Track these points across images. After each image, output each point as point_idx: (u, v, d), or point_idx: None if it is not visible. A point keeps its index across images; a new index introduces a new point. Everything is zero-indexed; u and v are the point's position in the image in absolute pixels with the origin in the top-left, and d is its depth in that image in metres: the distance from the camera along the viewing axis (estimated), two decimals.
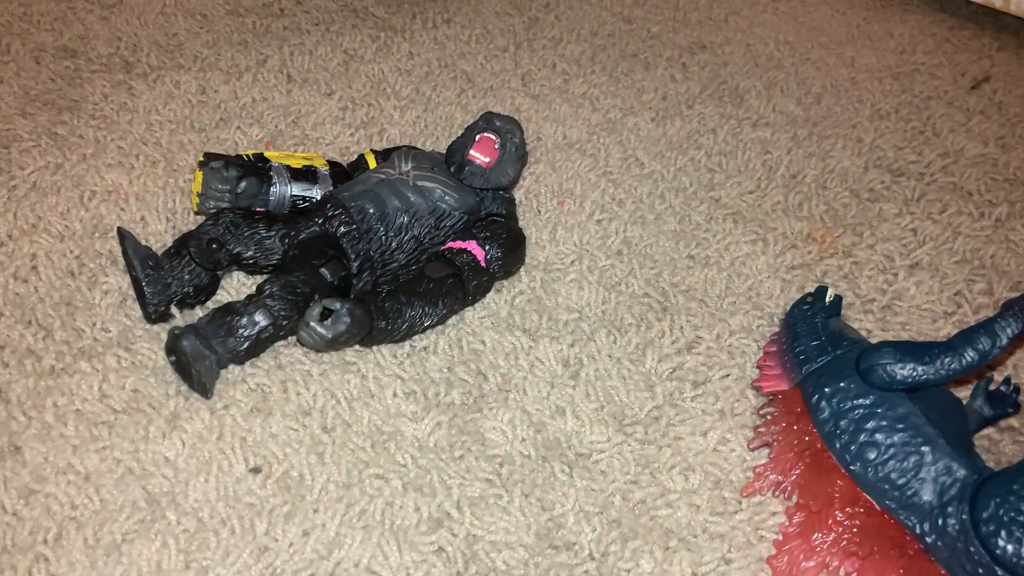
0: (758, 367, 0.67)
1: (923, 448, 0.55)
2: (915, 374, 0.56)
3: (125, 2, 1.07)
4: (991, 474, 0.54)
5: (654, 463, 0.62)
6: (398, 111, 0.95)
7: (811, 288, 0.77)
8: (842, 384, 0.59)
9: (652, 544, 0.57)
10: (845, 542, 0.55)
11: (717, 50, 1.10)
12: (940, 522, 0.53)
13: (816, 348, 0.63)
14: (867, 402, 0.57)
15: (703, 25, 1.15)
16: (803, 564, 0.55)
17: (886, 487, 0.55)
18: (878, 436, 0.56)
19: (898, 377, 0.57)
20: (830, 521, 0.56)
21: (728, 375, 0.69)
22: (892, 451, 0.55)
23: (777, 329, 0.70)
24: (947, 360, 0.56)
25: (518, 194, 0.84)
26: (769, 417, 0.63)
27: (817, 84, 1.05)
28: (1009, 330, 0.55)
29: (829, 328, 0.64)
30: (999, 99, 1.04)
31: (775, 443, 0.61)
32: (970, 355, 0.56)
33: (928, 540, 0.54)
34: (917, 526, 0.54)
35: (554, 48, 1.08)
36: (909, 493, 0.54)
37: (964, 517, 0.52)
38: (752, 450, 0.63)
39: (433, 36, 1.08)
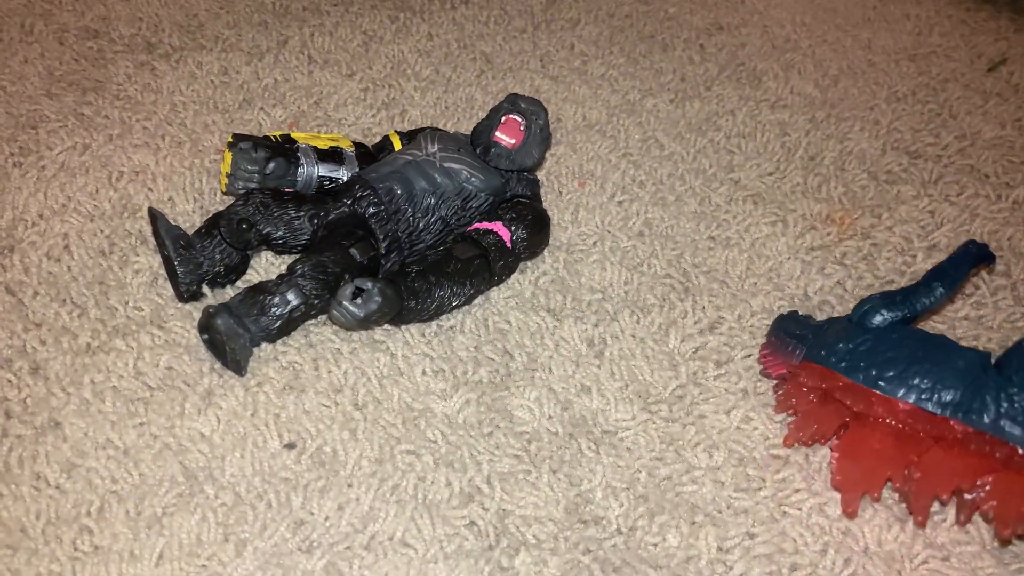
0: (760, 363, 0.69)
1: (934, 352, 0.61)
2: (902, 308, 0.65)
3: None
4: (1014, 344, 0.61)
5: (679, 440, 0.64)
6: (419, 92, 0.95)
7: (831, 270, 0.78)
8: (842, 337, 0.64)
9: (679, 519, 0.59)
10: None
11: (734, 31, 1.11)
12: (976, 404, 0.58)
13: (804, 333, 0.67)
14: (871, 337, 0.63)
15: (720, 6, 1.16)
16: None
17: (918, 394, 0.59)
18: (890, 354, 0.61)
19: (887, 315, 0.64)
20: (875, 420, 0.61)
21: (750, 355, 0.70)
22: (909, 361, 0.60)
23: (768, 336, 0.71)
24: (923, 296, 0.65)
25: (540, 176, 0.85)
26: (784, 390, 0.65)
27: (834, 66, 1.05)
28: (966, 266, 0.67)
29: (808, 323, 0.68)
30: (1016, 81, 1.04)
31: (797, 404, 0.63)
32: (939, 290, 0.65)
33: (974, 420, 0.58)
34: (961, 416, 0.58)
35: (572, 29, 1.08)
36: (940, 390, 0.59)
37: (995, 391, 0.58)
38: (778, 413, 0.65)
39: (451, 17, 1.08)
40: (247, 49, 0.99)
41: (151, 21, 1.02)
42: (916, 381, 0.60)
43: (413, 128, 0.84)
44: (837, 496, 0.60)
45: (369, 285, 0.63)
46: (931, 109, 0.99)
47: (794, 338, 0.66)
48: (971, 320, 0.74)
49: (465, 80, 0.98)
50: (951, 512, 0.60)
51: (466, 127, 0.89)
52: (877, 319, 0.64)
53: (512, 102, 0.74)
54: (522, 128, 0.73)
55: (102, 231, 0.75)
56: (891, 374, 0.60)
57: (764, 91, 1.00)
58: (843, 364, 0.62)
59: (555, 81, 0.99)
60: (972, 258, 0.68)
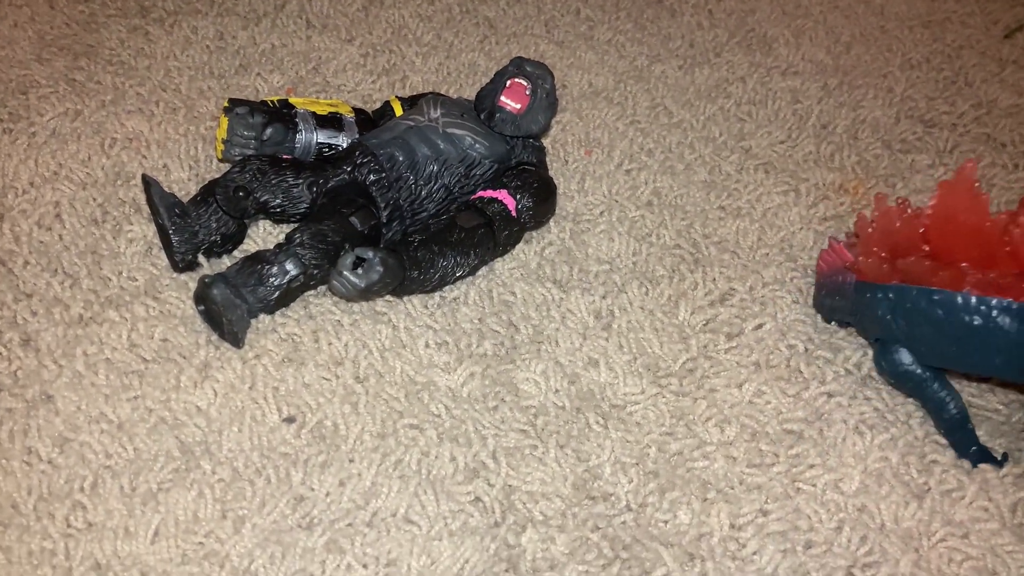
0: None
1: None
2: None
3: None
4: None
5: (689, 415, 0.62)
6: (420, 58, 0.93)
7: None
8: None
9: (690, 495, 0.57)
10: None
11: None
12: None
13: None
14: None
15: None
16: None
17: None
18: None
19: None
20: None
21: (762, 326, 0.68)
22: None
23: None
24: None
25: (545, 143, 0.82)
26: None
27: (846, 33, 1.03)
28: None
29: None
30: None
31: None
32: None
33: None
34: None
35: None
36: None
37: None
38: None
39: None
40: (243, 13, 0.96)
41: None
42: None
43: (415, 94, 0.81)
44: (852, 471, 0.59)
45: (370, 254, 0.61)
46: (946, 76, 0.97)
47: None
48: None
49: (468, 45, 0.95)
50: (971, 488, 0.58)
51: (469, 93, 0.87)
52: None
53: (517, 65, 0.71)
54: (528, 93, 0.70)
55: (95, 199, 0.73)
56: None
57: (775, 57, 0.98)
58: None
59: (560, 47, 0.97)
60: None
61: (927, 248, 0.60)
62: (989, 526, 0.56)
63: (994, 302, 0.55)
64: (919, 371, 0.60)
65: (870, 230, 0.63)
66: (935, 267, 0.57)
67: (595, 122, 0.87)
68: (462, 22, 0.98)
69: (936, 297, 0.57)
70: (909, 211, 0.61)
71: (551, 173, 0.76)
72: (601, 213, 0.77)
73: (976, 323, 0.55)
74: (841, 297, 0.65)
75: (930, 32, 1.04)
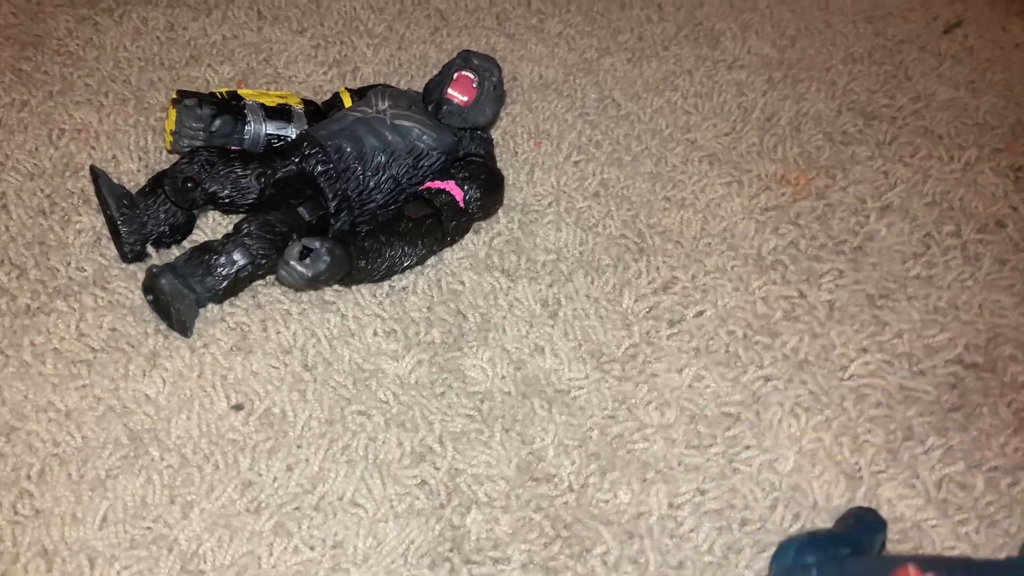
0: None
1: None
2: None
3: None
4: None
5: (631, 399, 0.64)
6: (371, 49, 0.93)
7: (785, 230, 0.78)
8: None
9: (630, 476, 0.59)
10: None
11: None
12: None
13: None
14: None
15: None
16: None
17: None
18: None
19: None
20: None
21: (703, 312, 0.70)
22: None
23: None
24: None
25: (495, 135, 0.84)
26: None
27: (792, 26, 1.05)
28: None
29: None
30: (970, 43, 1.05)
31: None
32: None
33: None
34: None
35: None
36: None
37: None
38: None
39: None
40: (194, 4, 0.96)
41: None
42: None
43: (364, 85, 0.82)
44: (787, 452, 0.61)
45: (317, 244, 0.62)
46: (887, 70, 1.00)
47: None
48: (922, 279, 0.75)
49: (419, 37, 0.96)
50: (899, 467, 0.61)
51: (419, 85, 0.87)
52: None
53: (464, 58, 0.72)
54: (475, 85, 0.71)
55: (42, 190, 0.72)
56: None
57: (722, 51, 1.00)
58: None
59: (511, 39, 0.98)
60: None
61: None
62: (915, 502, 0.59)
63: None
64: None
65: None
66: None
67: (545, 114, 0.88)
68: (414, 13, 0.99)
69: None
70: None
71: (500, 165, 0.77)
72: (549, 204, 0.78)
73: None
74: None
75: (873, 27, 1.06)
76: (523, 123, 0.87)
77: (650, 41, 1.00)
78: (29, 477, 0.55)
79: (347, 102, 0.77)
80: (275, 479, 0.56)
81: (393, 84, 0.88)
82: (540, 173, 0.81)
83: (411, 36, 0.96)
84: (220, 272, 0.63)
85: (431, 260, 0.71)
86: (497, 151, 0.78)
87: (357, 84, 0.88)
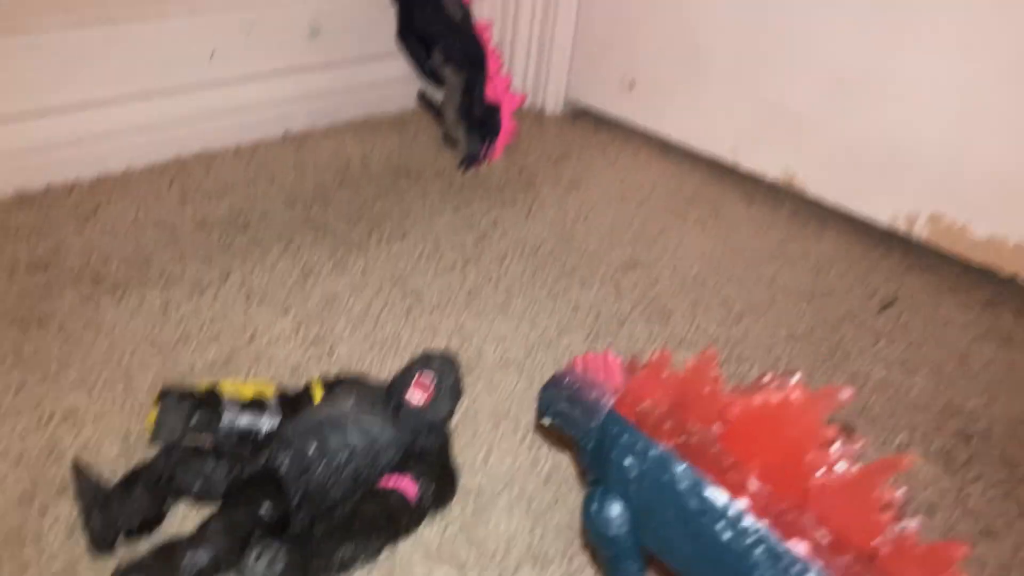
0: None
1: None
2: None
3: (99, 214, 1.15)
4: None
5: None
6: (348, 328, 1.02)
7: None
8: None
9: None
10: None
11: (649, 268, 1.20)
12: None
13: None
14: None
15: (637, 242, 1.26)
16: None
17: None
18: None
19: None
20: None
21: None
22: None
23: None
24: None
25: (456, 416, 0.90)
26: None
27: (738, 304, 1.14)
28: None
29: None
30: (904, 320, 1.14)
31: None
32: None
33: None
34: None
35: (499, 264, 1.17)
36: None
37: None
38: None
39: (387, 251, 1.17)
40: (190, 284, 1.05)
41: (101, 253, 1.08)
42: None
43: (337, 375, 0.89)
44: None
45: (275, 547, 0.66)
46: (827, 348, 1.08)
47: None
48: None
49: (394, 316, 1.05)
50: None
51: (391, 364, 0.95)
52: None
53: (425, 360, 0.80)
54: (432, 384, 0.79)
55: (26, 477, 0.78)
56: None
57: (672, 328, 1.08)
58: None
59: (479, 317, 1.06)
60: None
61: (721, 428, 0.56)
62: None
63: (760, 528, 0.51)
64: (625, 535, 0.59)
65: (665, 375, 0.62)
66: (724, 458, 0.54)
67: (504, 394, 0.95)
68: (391, 294, 1.08)
69: (704, 493, 0.54)
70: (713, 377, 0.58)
71: (457, 446, 0.83)
72: (503, 488, 0.83)
73: (725, 536, 0.53)
74: (584, 413, 0.65)
75: (813, 305, 1.16)
76: (484, 403, 0.93)
77: (606, 319, 1.09)
78: None
79: (317, 394, 0.84)
80: None
81: (366, 363, 0.96)
82: (496, 455, 0.87)
83: (386, 316, 1.05)
84: (185, 570, 0.67)
85: (385, 551, 0.75)
86: (456, 432, 0.84)
87: (333, 362, 0.96)
